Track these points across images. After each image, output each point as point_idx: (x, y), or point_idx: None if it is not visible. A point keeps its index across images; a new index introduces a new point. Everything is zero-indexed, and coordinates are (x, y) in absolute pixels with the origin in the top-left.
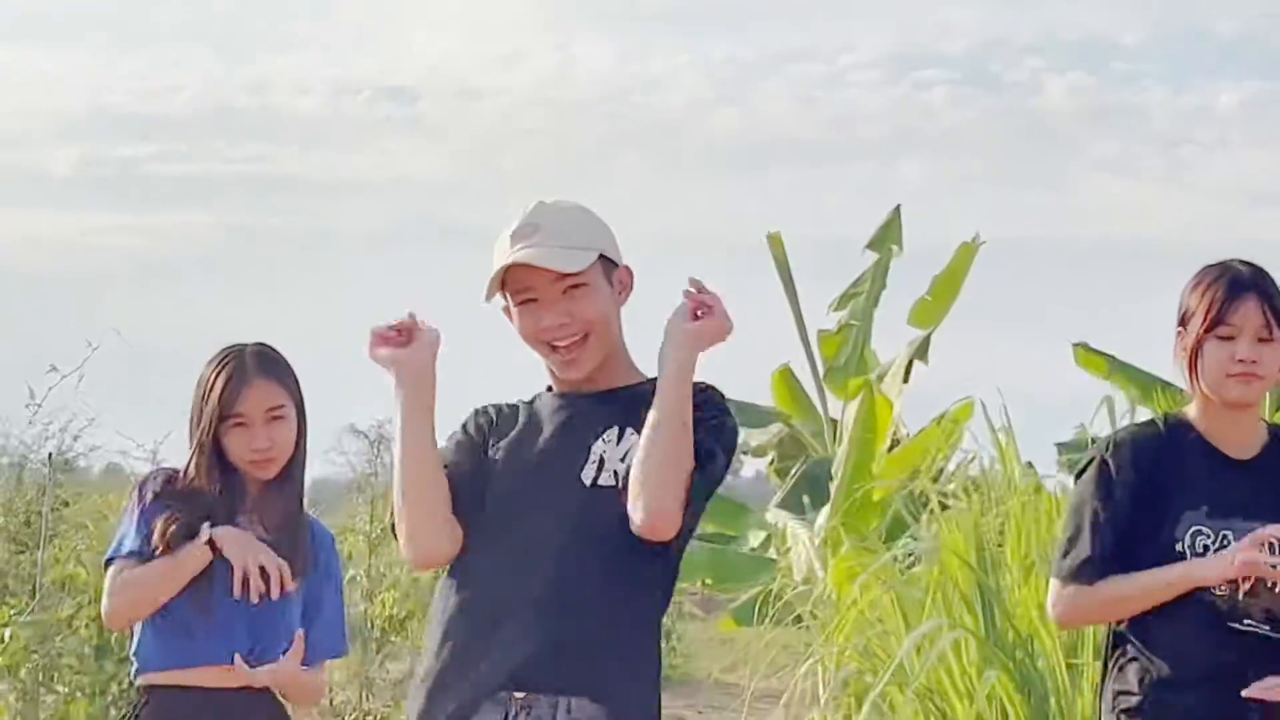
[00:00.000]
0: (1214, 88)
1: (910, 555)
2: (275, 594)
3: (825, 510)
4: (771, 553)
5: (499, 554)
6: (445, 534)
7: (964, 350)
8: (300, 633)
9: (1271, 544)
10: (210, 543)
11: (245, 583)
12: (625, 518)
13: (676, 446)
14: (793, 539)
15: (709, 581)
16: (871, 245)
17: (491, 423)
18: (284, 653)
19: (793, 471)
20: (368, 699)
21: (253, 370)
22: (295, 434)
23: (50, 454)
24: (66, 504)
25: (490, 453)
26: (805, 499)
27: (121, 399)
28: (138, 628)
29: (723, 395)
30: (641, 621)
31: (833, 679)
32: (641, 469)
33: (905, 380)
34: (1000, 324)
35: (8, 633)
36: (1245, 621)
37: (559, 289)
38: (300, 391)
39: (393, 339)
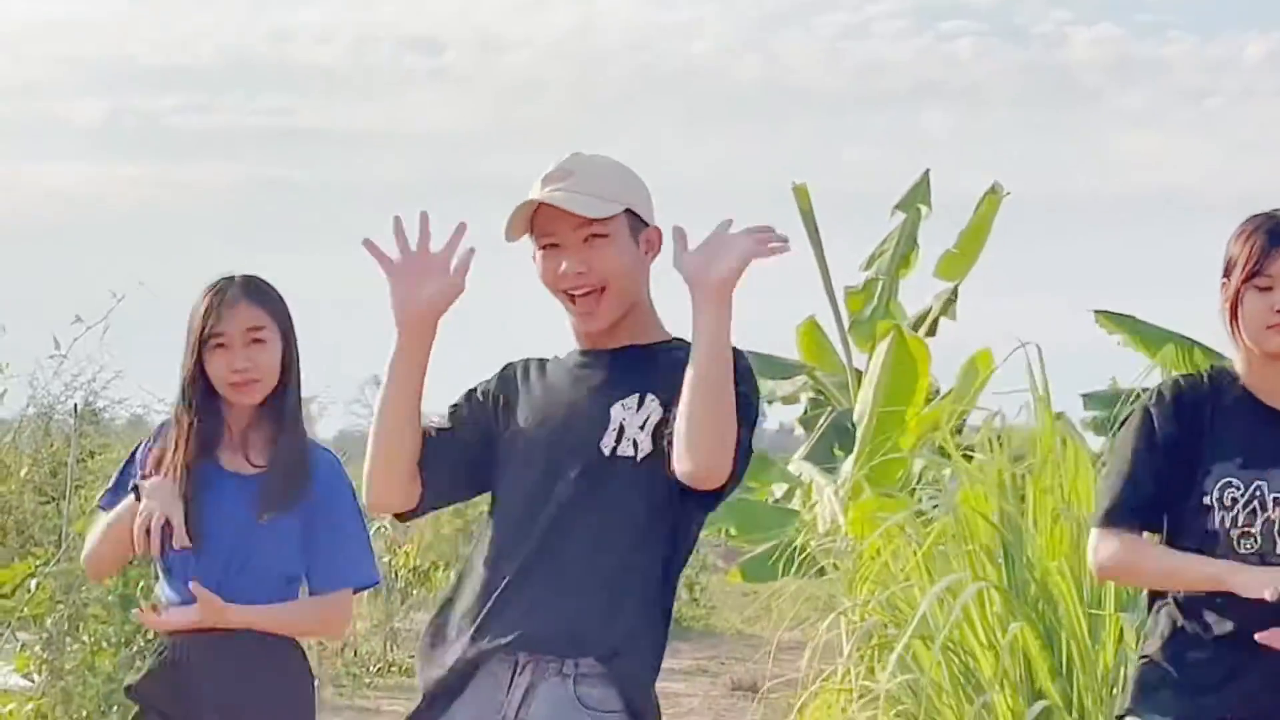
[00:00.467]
0: (1241, 38)
1: (935, 506)
2: (173, 546)
3: (849, 460)
4: (795, 504)
5: (521, 512)
6: (401, 487)
7: (989, 302)
8: (194, 583)
9: None
10: (136, 493)
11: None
12: (640, 488)
13: (724, 394)
14: (817, 491)
15: (733, 532)
16: (900, 206)
17: (513, 382)
18: (311, 584)
19: (821, 421)
20: (392, 650)
21: (237, 293)
22: (279, 361)
23: (76, 405)
24: (92, 455)
25: (503, 417)
26: (835, 449)
27: (145, 350)
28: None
29: (748, 368)
30: (650, 589)
31: (856, 631)
32: (689, 419)
33: (932, 334)
34: (1025, 276)
35: (34, 583)
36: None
37: (580, 236)
38: (288, 321)
39: (420, 257)
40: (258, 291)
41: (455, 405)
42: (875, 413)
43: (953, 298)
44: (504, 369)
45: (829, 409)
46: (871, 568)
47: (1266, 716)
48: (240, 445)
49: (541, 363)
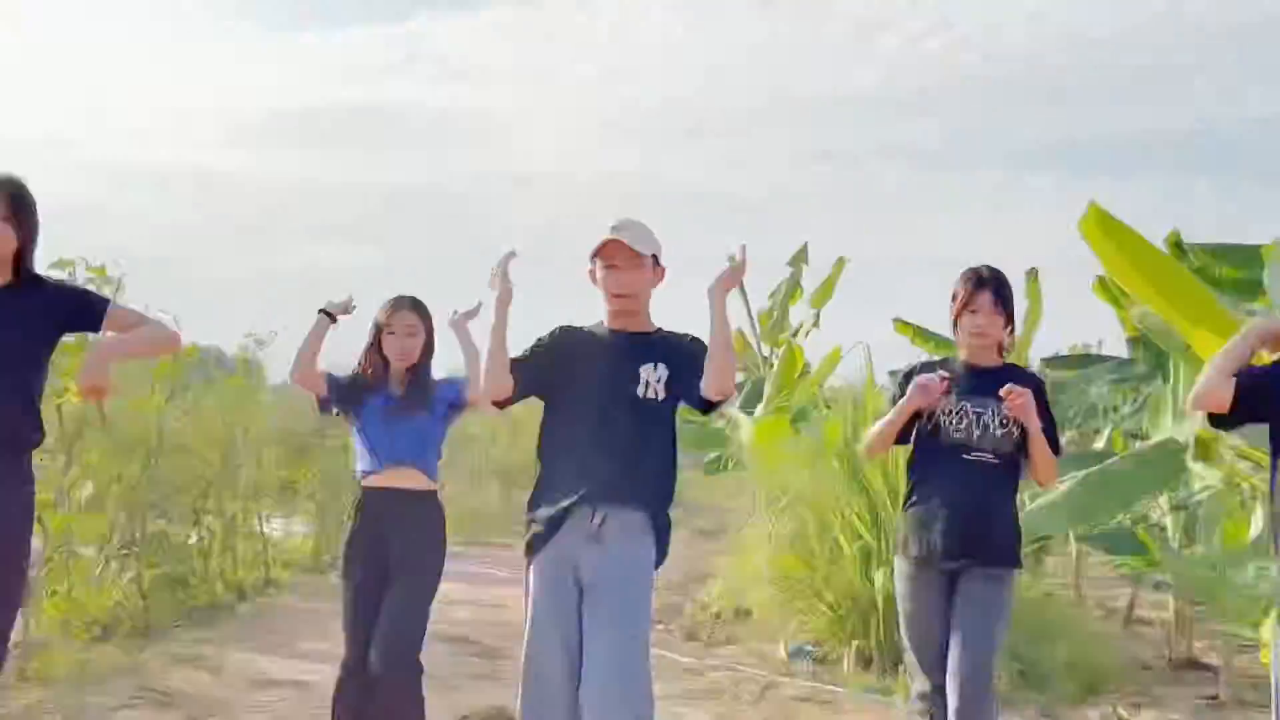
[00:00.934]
0: None
1: (807, 429)
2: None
3: (760, 406)
4: (728, 430)
5: (594, 421)
6: (502, 386)
7: (842, 319)
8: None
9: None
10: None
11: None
12: (658, 414)
13: (731, 357)
14: (742, 422)
15: (694, 447)
16: (790, 263)
17: (572, 337)
18: (423, 449)
19: (745, 388)
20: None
21: (404, 306)
22: (423, 345)
23: None
24: None
25: (566, 355)
26: (755, 403)
27: None
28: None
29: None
30: (666, 467)
31: (763, 499)
32: (716, 368)
33: (805, 338)
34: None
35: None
36: (974, 453)
37: (632, 264)
38: (430, 322)
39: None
40: (417, 305)
41: (534, 347)
42: (776, 382)
43: (816, 322)
44: (563, 329)
45: (749, 381)
46: (773, 464)
47: (952, 553)
48: (398, 385)
49: (588, 331)
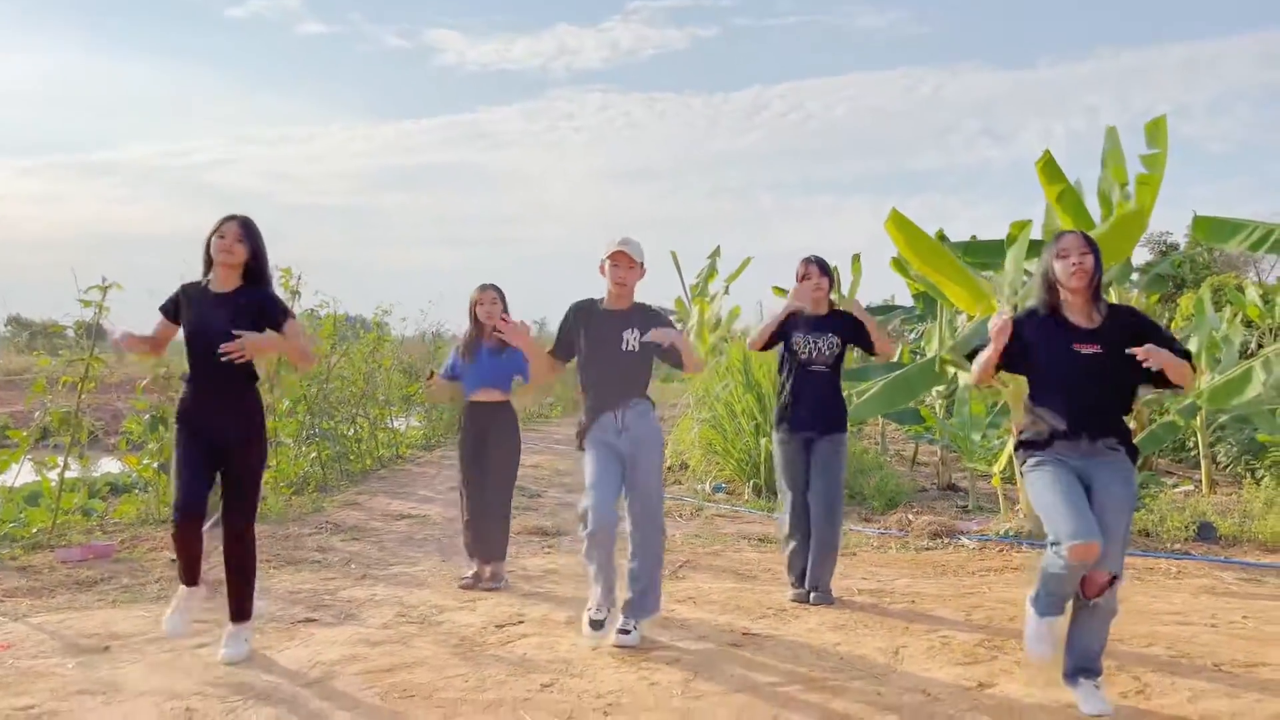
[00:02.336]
0: None
1: (721, 356)
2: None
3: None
4: None
5: (602, 367)
6: (546, 373)
7: (741, 287)
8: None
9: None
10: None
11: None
12: (638, 359)
13: (692, 362)
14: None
15: None
16: (708, 257)
17: (584, 313)
18: (508, 378)
19: (685, 327)
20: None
21: (488, 287)
22: (501, 310)
23: None
24: None
25: (581, 327)
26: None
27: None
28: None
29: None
30: (648, 382)
31: (694, 400)
32: (687, 360)
33: (720, 300)
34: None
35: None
36: (812, 367)
37: (629, 266)
38: (505, 298)
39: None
40: (494, 288)
41: (562, 329)
42: (697, 329)
43: (727, 289)
44: (578, 305)
45: (683, 322)
46: (702, 379)
47: (806, 426)
48: (488, 337)
49: (595, 303)
